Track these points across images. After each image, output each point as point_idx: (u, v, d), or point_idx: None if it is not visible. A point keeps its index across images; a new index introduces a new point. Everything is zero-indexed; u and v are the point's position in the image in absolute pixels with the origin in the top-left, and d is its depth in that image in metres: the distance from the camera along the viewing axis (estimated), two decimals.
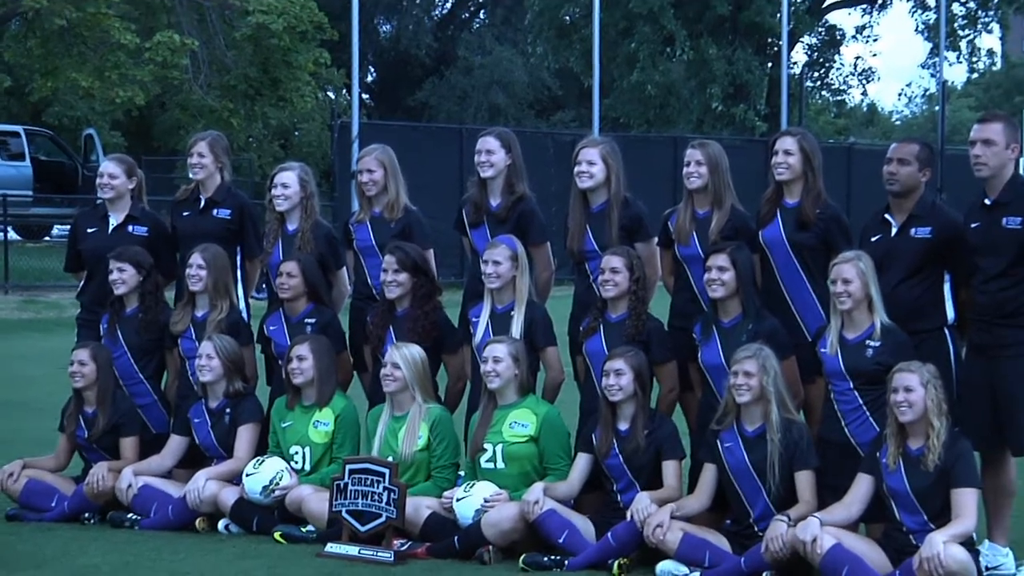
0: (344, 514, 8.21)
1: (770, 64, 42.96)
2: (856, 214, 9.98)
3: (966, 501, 7.22)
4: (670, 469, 8.06)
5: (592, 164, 8.70)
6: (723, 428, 7.90)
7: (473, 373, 8.88)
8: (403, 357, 8.62)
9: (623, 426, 8.18)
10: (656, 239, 8.77)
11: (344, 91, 39.88)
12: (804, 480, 7.70)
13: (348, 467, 8.29)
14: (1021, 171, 7.93)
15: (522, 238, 8.81)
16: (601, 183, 8.71)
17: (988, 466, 7.86)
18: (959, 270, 7.94)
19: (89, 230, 9.73)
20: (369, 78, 51.76)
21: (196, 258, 9.22)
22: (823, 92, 52.42)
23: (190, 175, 9.69)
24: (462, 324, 9.01)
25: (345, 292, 9.59)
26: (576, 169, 8.74)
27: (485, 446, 8.37)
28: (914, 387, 7.38)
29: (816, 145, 8.46)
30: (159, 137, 40.20)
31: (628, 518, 7.82)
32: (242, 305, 9.48)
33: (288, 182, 9.34)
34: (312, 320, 9.12)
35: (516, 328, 8.61)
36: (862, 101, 61.19)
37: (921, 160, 8.01)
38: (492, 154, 8.95)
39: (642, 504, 7.80)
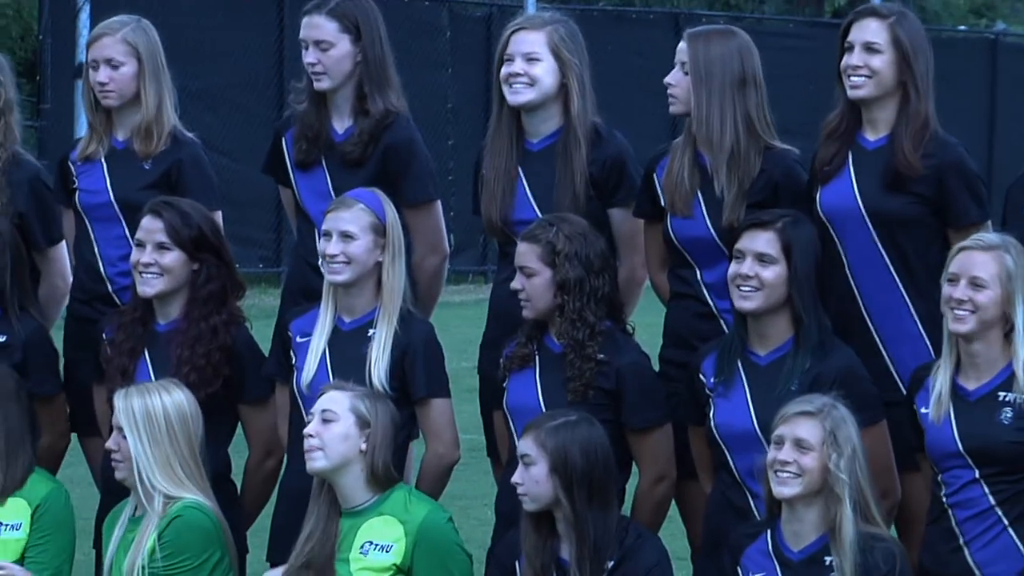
0: None
1: None
2: (1006, 157, 9.88)
3: None
4: None
5: (533, 60, 8.40)
6: (751, 542, 7.72)
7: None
8: (134, 415, 8.30)
9: (564, 552, 7.86)
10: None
11: None
12: None
13: None
14: None
15: (392, 192, 8.53)
16: (551, 95, 8.46)
17: None
18: None
19: None
20: None
21: None
22: None
23: None
24: (274, 353, 8.55)
25: (64, 286, 9.40)
26: (503, 71, 8.42)
27: None
28: None
29: (922, 33, 8.20)
30: None
31: None
32: None
33: None
34: None
35: (377, 361, 8.31)
36: None
37: None
38: (326, 48, 8.71)
39: None
